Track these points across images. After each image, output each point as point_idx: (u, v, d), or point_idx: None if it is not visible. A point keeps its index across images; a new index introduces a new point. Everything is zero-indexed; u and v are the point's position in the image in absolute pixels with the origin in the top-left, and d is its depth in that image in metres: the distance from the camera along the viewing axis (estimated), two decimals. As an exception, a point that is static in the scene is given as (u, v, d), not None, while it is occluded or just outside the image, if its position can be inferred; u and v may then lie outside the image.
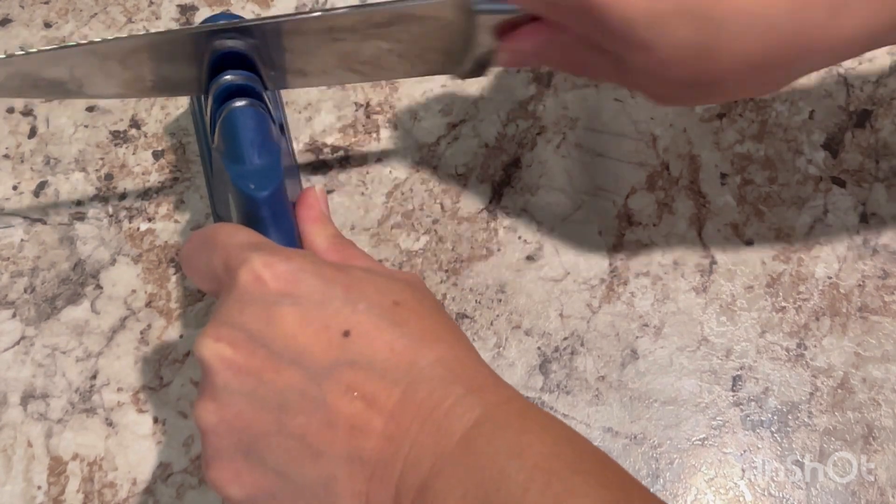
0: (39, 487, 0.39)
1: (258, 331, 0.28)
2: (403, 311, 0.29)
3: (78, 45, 0.35)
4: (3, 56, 0.35)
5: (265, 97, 0.36)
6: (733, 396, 0.40)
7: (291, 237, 0.34)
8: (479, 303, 0.42)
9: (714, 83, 0.32)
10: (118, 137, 0.46)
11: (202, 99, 0.40)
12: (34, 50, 0.35)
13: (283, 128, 0.41)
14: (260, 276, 0.28)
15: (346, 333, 0.28)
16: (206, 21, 0.39)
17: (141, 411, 0.40)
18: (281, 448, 0.27)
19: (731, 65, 0.31)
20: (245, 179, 0.33)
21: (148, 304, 0.42)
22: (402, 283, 0.30)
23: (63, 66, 0.36)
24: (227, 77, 0.35)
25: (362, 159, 0.45)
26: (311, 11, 0.36)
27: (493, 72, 0.47)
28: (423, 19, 0.36)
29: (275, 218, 0.33)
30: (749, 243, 0.43)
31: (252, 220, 0.33)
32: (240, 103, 0.34)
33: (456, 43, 0.37)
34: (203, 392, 0.29)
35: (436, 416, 0.26)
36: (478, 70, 0.38)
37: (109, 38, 0.36)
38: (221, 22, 0.36)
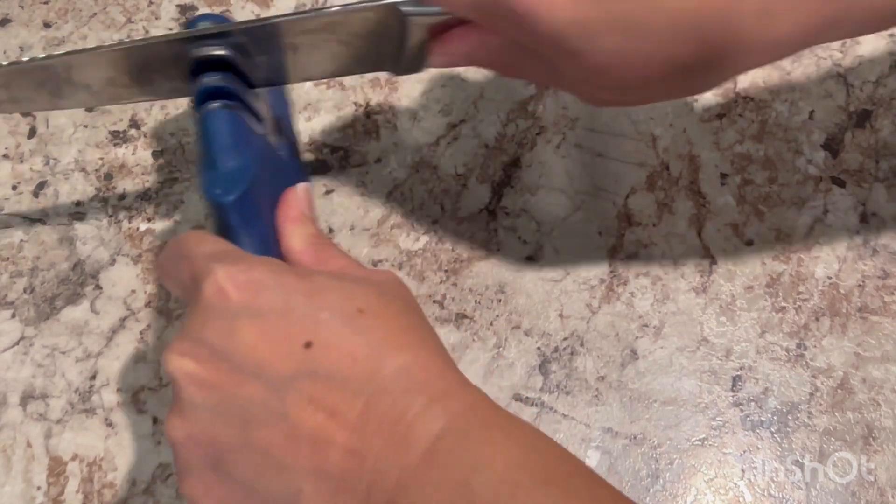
0: (39, 488, 0.39)
1: (220, 345, 0.28)
2: (367, 319, 0.28)
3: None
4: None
5: (247, 96, 0.36)
6: (733, 397, 0.40)
7: (265, 243, 0.33)
8: (479, 303, 0.42)
9: (645, 87, 0.32)
10: (118, 137, 0.46)
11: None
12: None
13: (280, 125, 0.40)
14: (222, 288, 0.28)
15: (308, 344, 0.27)
16: (189, 23, 0.39)
17: (140, 411, 0.40)
18: (246, 462, 0.27)
19: (660, 69, 0.31)
20: (212, 185, 0.32)
21: (147, 305, 0.42)
22: (368, 288, 0.30)
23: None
24: (203, 80, 0.35)
25: (362, 159, 0.45)
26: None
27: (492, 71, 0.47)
28: (358, 24, 0.36)
29: (245, 223, 0.33)
30: (749, 243, 0.43)
31: (221, 226, 0.33)
32: (212, 105, 0.34)
33: (391, 44, 0.37)
34: (172, 407, 0.29)
35: (399, 429, 0.26)
36: (412, 69, 0.38)
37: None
38: (199, 27, 0.37)
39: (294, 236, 0.34)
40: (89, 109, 0.47)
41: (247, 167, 0.33)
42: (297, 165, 0.44)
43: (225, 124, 0.34)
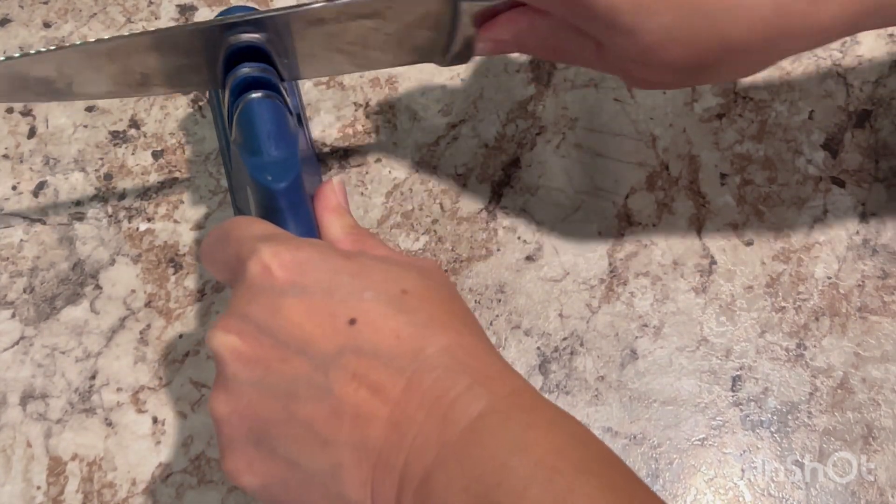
0: (39, 487, 0.39)
1: (265, 321, 0.28)
2: (411, 300, 0.29)
3: (86, 43, 0.35)
4: (7, 56, 0.35)
5: (282, 88, 0.36)
6: (733, 396, 0.40)
7: (310, 228, 0.34)
8: (479, 303, 0.42)
9: (694, 68, 0.33)
10: (117, 137, 0.46)
11: (220, 93, 0.40)
12: (35, 51, 0.35)
13: (300, 119, 0.41)
14: (267, 266, 0.29)
15: (352, 321, 0.28)
16: (220, 14, 0.39)
17: (140, 411, 0.40)
18: (290, 436, 0.28)
19: (712, 50, 0.32)
20: (262, 171, 0.33)
21: (147, 304, 0.42)
22: (412, 271, 0.30)
23: (69, 65, 0.36)
24: (244, 70, 0.36)
25: (362, 159, 0.45)
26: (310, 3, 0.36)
27: (493, 72, 0.47)
28: (408, 8, 0.36)
29: (292, 209, 0.34)
30: (749, 243, 0.43)
31: (270, 211, 0.34)
32: (256, 95, 0.35)
33: (440, 32, 0.37)
34: (216, 383, 0.29)
35: (441, 406, 0.26)
36: (461, 58, 0.39)
37: (120, 35, 0.36)
38: (234, 14, 0.37)
39: (333, 226, 0.34)
40: (88, 109, 0.47)
41: (294, 155, 0.34)
42: (316, 160, 0.44)
43: (270, 112, 0.35)
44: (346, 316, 0.28)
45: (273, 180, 0.33)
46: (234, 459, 0.29)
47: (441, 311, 0.29)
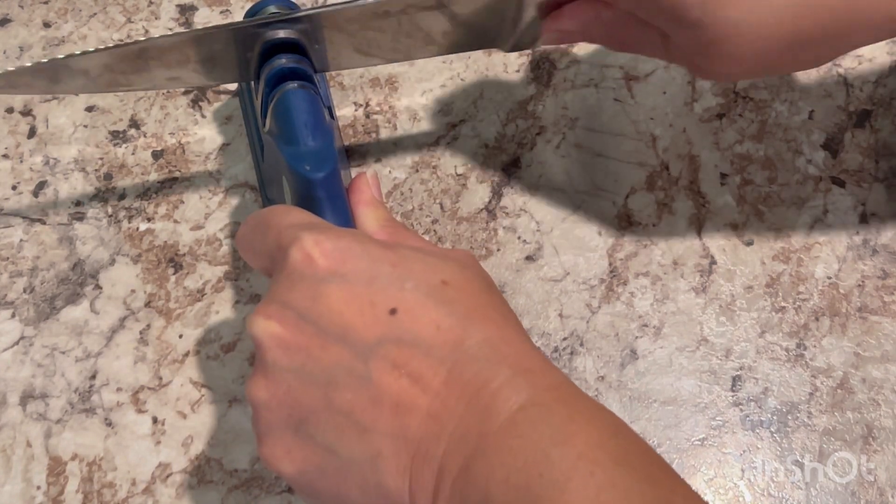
0: (39, 487, 0.39)
1: (306, 308, 0.28)
2: (451, 291, 0.29)
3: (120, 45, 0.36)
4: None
5: (315, 80, 0.37)
6: (733, 396, 0.40)
7: (346, 218, 0.34)
8: (479, 303, 0.42)
9: (762, 60, 0.33)
10: (117, 137, 0.46)
11: (251, 84, 0.40)
12: (81, 52, 0.36)
13: (331, 111, 0.41)
14: (309, 254, 0.29)
15: (393, 311, 0.28)
16: (256, 6, 0.39)
17: (140, 411, 0.40)
18: (329, 424, 0.28)
19: (781, 42, 0.31)
20: (301, 161, 0.34)
21: (147, 304, 0.42)
22: (451, 263, 0.30)
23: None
24: (280, 61, 0.36)
25: (362, 159, 0.45)
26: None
27: (493, 72, 0.47)
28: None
29: (330, 199, 0.34)
30: (749, 243, 0.43)
31: (308, 201, 0.34)
32: (293, 85, 0.35)
33: (505, 21, 0.37)
34: (255, 369, 0.29)
35: (482, 397, 0.26)
36: (523, 46, 0.38)
37: (157, 36, 0.36)
38: (271, 10, 0.37)
39: (368, 219, 0.34)
40: (88, 109, 0.47)
41: (331, 145, 0.34)
42: (345, 151, 0.44)
43: (307, 103, 0.35)
44: (387, 305, 0.28)
45: (312, 170, 0.33)
46: (272, 445, 0.29)
47: (480, 302, 0.29)
